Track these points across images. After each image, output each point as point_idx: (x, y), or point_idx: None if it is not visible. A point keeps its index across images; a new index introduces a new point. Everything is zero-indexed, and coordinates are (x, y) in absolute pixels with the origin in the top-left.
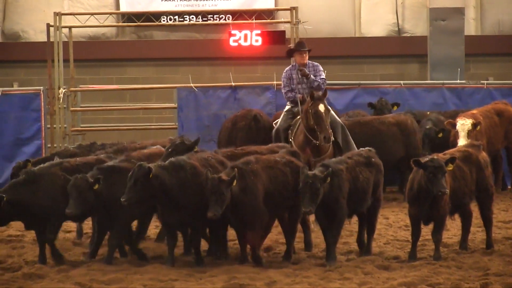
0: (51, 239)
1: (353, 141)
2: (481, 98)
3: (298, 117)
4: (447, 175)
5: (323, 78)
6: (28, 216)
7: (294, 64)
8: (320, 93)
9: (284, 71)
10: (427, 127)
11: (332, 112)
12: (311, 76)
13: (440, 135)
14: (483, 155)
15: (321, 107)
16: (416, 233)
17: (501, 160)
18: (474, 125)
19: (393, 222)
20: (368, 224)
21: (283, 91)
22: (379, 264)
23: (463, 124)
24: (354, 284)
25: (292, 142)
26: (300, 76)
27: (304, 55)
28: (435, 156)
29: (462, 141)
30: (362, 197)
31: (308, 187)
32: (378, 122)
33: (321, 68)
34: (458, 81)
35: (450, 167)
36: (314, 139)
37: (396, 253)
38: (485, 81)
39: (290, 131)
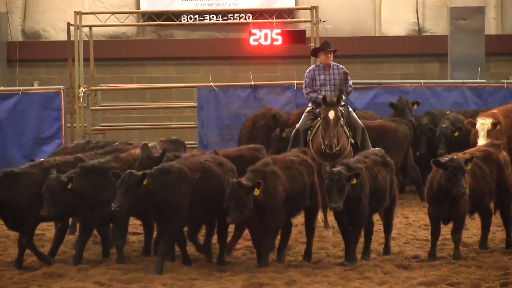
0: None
1: (371, 145)
2: (502, 97)
3: (319, 118)
4: (467, 175)
5: (350, 89)
6: (7, 216)
7: (318, 64)
8: (334, 98)
9: (307, 70)
10: (443, 126)
11: (353, 114)
12: (350, 81)
13: (456, 134)
14: (504, 155)
15: (331, 114)
16: (435, 233)
17: None
18: (494, 125)
19: (412, 221)
20: (385, 224)
21: (304, 91)
22: (398, 263)
23: (483, 124)
24: (374, 283)
25: (310, 143)
26: (329, 78)
27: (329, 55)
28: (454, 155)
29: (481, 141)
30: (382, 196)
31: (335, 184)
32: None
33: (346, 71)
34: (479, 80)
35: (469, 167)
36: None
37: (415, 252)
38: (506, 80)
39: (309, 132)
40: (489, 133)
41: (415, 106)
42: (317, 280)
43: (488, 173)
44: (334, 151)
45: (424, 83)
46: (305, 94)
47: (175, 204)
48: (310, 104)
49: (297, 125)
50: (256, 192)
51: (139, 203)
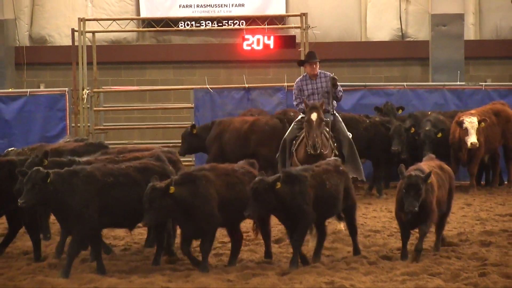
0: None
1: (358, 157)
2: (480, 99)
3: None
4: (435, 182)
5: (340, 94)
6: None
7: (305, 74)
8: (317, 102)
9: (295, 82)
10: (426, 128)
11: (341, 125)
12: (339, 87)
13: (439, 135)
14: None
15: (313, 116)
16: (405, 235)
17: (498, 158)
18: (479, 122)
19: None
20: (349, 227)
21: (294, 103)
22: (383, 254)
23: (472, 122)
24: (359, 273)
25: (294, 153)
26: (316, 87)
27: (315, 66)
28: (418, 168)
29: (473, 138)
30: (331, 203)
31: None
32: None
33: (334, 76)
34: (458, 82)
35: (429, 180)
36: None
37: (399, 244)
38: (484, 83)
39: (294, 142)
40: (477, 131)
41: (400, 111)
42: (306, 270)
43: (446, 182)
44: (318, 151)
45: (407, 85)
46: (295, 105)
47: (77, 208)
48: (302, 114)
49: (285, 136)
50: (172, 189)
51: (45, 201)
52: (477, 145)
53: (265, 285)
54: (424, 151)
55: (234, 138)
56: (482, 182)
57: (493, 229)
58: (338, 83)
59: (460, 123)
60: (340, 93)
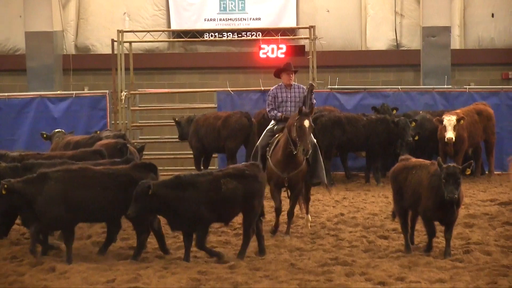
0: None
1: (322, 161)
2: (465, 100)
3: (277, 135)
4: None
5: (314, 101)
6: None
7: (280, 84)
8: (308, 109)
9: (271, 89)
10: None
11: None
12: (314, 95)
13: (416, 138)
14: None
15: (306, 123)
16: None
17: (480, 151)
18: (458, 120)
19: (391, 200)
20: (243, 228)
21: (267, 108)
22: (380, 234)
23: (449, 120)
24: (360, 250)
25: (269, 158)
26: (289, 96)
27: (291, 75)
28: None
29: (450, 134)
30: (228, 206)
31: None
32: None
33: (312, 83)
34: (446, 86)
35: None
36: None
37: (394, 226)
38: (468, 86)
39: (268, 148)
40: (454, 128)
41: (395, 111)
42: (314, 248)
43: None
44: (308, 155)
45: (401, 88)
46: (267, 111)
47: (42, 207)
48: (272, 123)
49: (257, 143)
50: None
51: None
52: (453, 140)
53: (279, 260)
54: (402, 151)
55: (209, 133)
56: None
57: (475, 213)
58: (313, 93)
59: (441, 121)
60: (314, 101)
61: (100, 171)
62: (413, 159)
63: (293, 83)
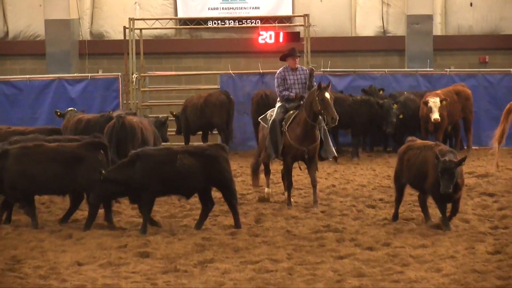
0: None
1: (330, 139)
2: (445, 82)
3: (291, 111)
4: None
5: (315, 84)
6: None
7: (286, 66)
8: (326, 84)
9: (278, 72)
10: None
11: None
12: (313, 79)
13: (401, 116)
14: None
15: (327, 95)
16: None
17: (459, 128)
18: (441, 101)
19: (378, 173)
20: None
21: (277, 90)
22: (368, 204)
23: (435, 102)
24: (350, 218)
25: (287, 133)
26: (296, 78)
27: (296, 60)
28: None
29: (436, 115)
30: (181, 181)
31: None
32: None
33: (312, 67)
34: (428, 69)
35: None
36: (325, 120)
37: (381, 196)
38: (448, 69)
39: (283, 123)
40: (439, 109)
41: (381, 91)
42: (308, 216)
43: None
44: (336, 124)
45: (387, 71)
46: (278, 92)
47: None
48: (279, 101)
49: (273, 117)
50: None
51: None
52: (439, 120)
53: (276, 227)
54: (388, 128)
55: (193, 111)
56: None
57: None
58: (314, 76)
59: (426, 103)
60: (315, 83)
61: (51, 148)
62: (419, 141)
63: (298, 65)
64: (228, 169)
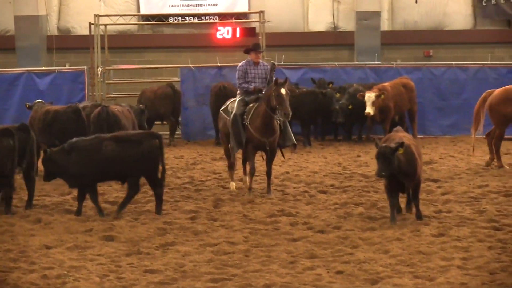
0: None
1: (289, 127)
2: (392, 74)
3: (251, 104)
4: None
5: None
6: None
7: (249, 60)
8: (283, 80)
9: (240, 64)
10: (341, 101)
11: None
12: (274, 74)
13: (350, 107)
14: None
15: (283, 91)
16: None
17: (405, 118)
18: (377, 96)
19: (330, 160)
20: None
21: (237, 82)
22: (320, 189)
23: (369, 97)
24: (302, 203)
25: (249, 126)
26: (258, 73)
27: (259, 54)
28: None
29: (368, 109)
30: (110, 165)
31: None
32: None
33: (274, 63)
34: (376, 62)
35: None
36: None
37: (332, 182)
38: (395, 63)
39: (245, 116)
40: (373, 103)
41: (330, 85)
42: (263, 201)
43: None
44: (289, 118)
45: (338, 64)
46: (238, 84)
47: None
48: (238, 94)
49: (234, 111)
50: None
51: None
52: (370, 115)
53: (233, 211)
54: (339, 118)
55: (148, 103)
56: None
57: None
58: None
59: (363, 97)
60: (274, 78)
61: None
62: (400, 133)
63: (260, 60)
64: (153, 157)
